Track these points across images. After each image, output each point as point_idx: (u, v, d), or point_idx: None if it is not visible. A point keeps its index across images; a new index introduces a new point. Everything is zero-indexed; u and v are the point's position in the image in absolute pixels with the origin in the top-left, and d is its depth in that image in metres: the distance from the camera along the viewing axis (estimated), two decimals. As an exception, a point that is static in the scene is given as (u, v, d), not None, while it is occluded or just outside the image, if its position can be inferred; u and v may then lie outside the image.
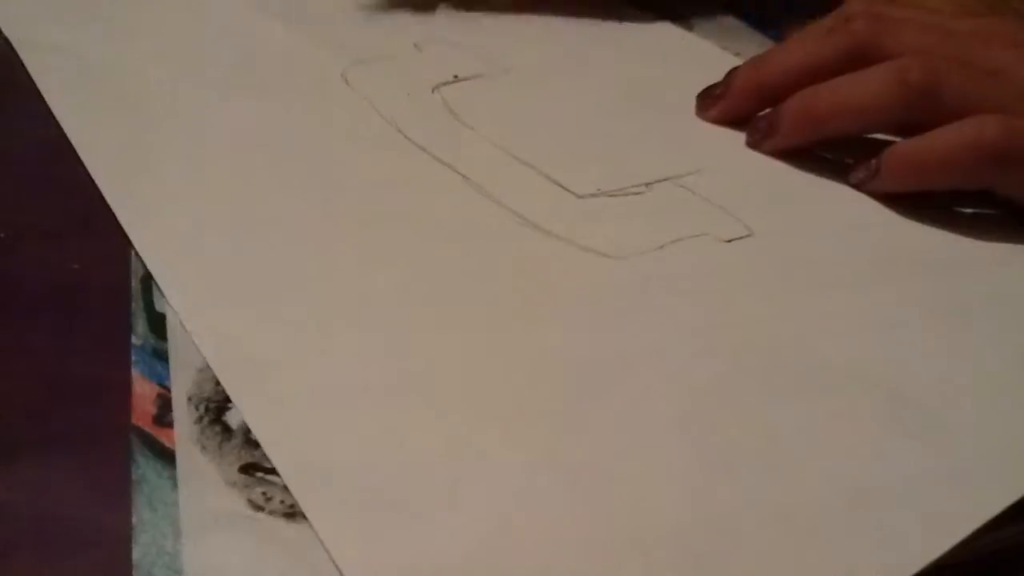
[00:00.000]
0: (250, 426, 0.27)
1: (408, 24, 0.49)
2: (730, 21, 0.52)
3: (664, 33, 0.51)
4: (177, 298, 0.31)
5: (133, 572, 0.23)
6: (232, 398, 0.28)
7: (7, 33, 0.46)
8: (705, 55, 0.49)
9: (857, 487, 0.26)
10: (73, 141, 0.39)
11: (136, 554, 0.24)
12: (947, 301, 0.33)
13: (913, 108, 0.37)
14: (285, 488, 0.26)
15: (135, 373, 0.29)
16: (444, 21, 0.50)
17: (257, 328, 0.30)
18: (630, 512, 0.25)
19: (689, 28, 0.51)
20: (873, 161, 0.37)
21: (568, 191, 0.37)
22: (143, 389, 0.28)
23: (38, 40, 0.46)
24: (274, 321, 0.31)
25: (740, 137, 0.41)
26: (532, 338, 0.31)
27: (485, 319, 0.31)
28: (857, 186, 0.38)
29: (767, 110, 0.40)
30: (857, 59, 0.38)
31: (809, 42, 0.40)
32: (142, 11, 0.50)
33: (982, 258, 0.36)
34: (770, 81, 0.41)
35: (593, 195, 0.37)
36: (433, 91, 0.44)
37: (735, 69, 0.42)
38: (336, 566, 0.24)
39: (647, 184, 0.38)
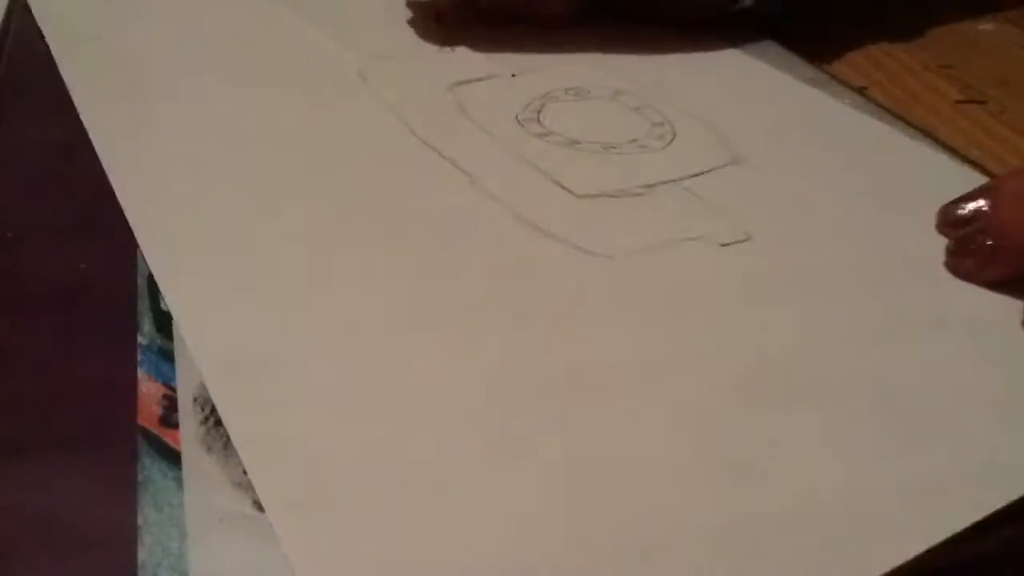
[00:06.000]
0: (227, 426, 0.27)
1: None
2: (774, 49, 0.50)
3: (695, 44, 0.50)
4: (173, 295, 0.31)
5: (138, 573, 0.24)
6: (216, 401, 0.28)
7: (40, 21, 0.47)
8: (725, 59, 0.49)
9: (856, 492, 0.26)
10: (88, 127, 0.39)
11: (141, 555, 0.24)
12: (938, 309, 0.33)
13: None
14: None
15: (141, 373, 0.29)
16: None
17: (252, 328, 0.30)
18: (621, 517, 0.25)
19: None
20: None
21: (568, 191, 0.38)
22: (149, 389, 0.29)
23: (70, 29, 0.47)
24: (268, 320, 0.31)
25: (750, 139, 0.41)
26: (524, 338, 0.31)
27: (476, 318, 0.31)
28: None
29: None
30: None
31: None
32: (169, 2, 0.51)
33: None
34: None
35: (592, 196, 0.37)
36: (448, 91, 0.44)
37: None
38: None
39: (649, 185, 0.38)
